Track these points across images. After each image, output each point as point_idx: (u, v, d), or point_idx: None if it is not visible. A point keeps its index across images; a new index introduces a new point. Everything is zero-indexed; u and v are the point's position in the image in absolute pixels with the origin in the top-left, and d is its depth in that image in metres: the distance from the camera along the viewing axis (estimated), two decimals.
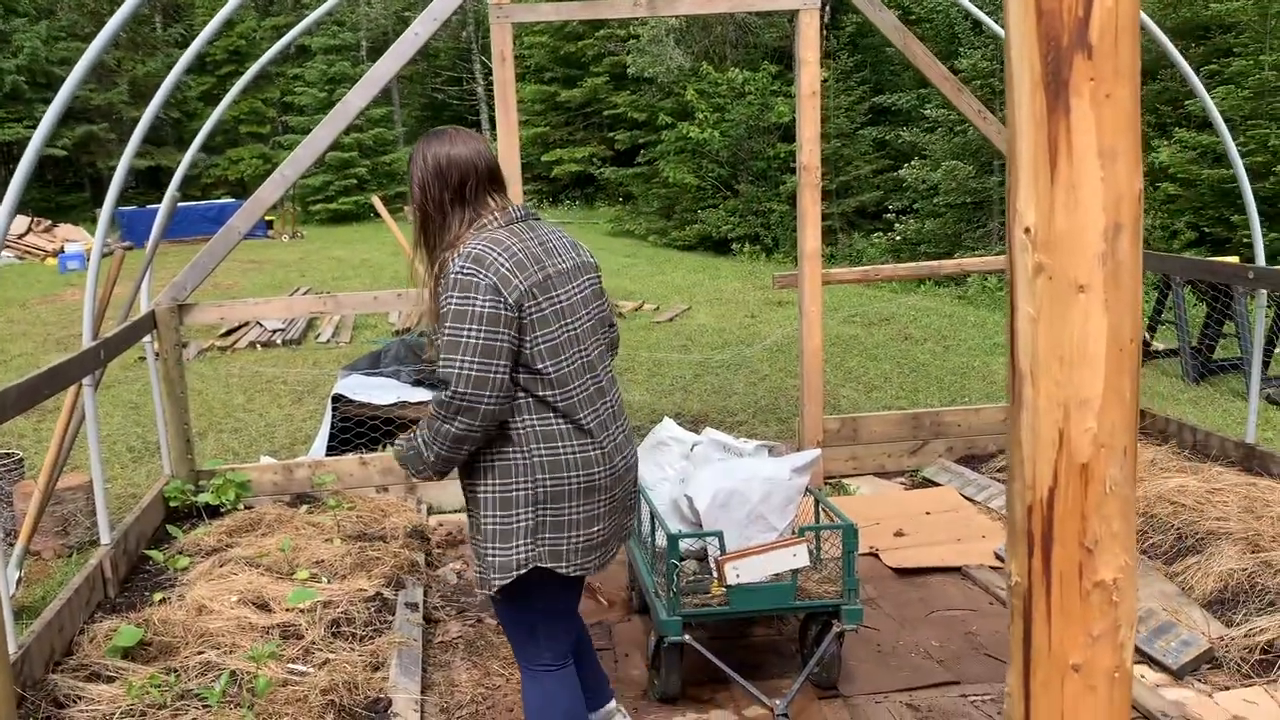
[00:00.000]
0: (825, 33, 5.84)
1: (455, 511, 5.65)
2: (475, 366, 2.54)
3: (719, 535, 3.51)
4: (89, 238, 23.43)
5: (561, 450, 2.68)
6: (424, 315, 2.87)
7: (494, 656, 4.04)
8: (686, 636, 3.47)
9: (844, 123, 17.78)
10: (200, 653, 3.63)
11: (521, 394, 2.66)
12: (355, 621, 3.92)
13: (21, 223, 23.18)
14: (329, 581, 4.28)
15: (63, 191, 32.61)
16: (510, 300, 2.59)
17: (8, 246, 21.64)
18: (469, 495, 2.78)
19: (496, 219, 2.75)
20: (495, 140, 5.49)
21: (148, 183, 30.01)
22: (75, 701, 3.36)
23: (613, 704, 3.31)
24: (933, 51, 5.97)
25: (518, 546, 2.66)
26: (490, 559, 2.68)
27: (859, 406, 7.64)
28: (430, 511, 5.59)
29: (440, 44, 34.60)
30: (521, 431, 2.66)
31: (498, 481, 2.67)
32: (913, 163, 15.76)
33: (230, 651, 3.62)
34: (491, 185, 2.79)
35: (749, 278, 15.67)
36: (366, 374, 6.79)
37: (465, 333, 2.56)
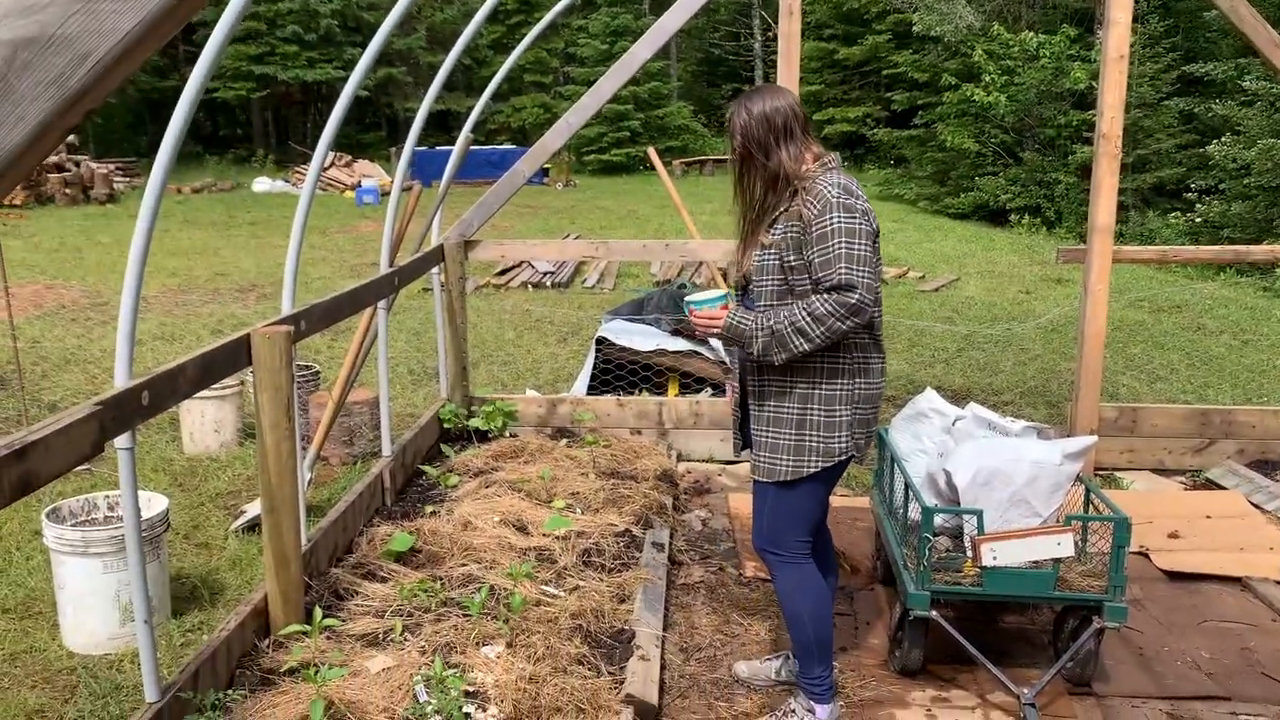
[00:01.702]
0: None
1: (703, 461, 5.74)
2: (868, 276, 2.88)
3: (978, 514, 3.38)
4: (383, 174, 25.17)
5: (872, 360, 3.08)
6: (738, 258, 3.17)
7: (734, 606, 4.08)
8: (933, 613, 3.38)
9: (1147, 91, 16.44)
10: (463, 565, 3.88)
11: None
12: (605, 554, 4.06)
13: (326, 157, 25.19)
14: (582, 513, 4.46)
15: (362, 130, 35.16)
16: (875, 226, 2.96)
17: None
18: (789, 391, 3.05)
19: (831, 158, 3.05)
20: None
21: (435, 125, 31.78)
22: (353, 595, 3.67)
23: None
24: (1262, 16, 5.40)
25: (840, 437, 3.04)
26: (813, 445, 3.04)
27: (1139, 397, 7.14)
28: (680, 458, 5.70)
29: None
30: (850, 340, 3.00)
31: (827, 380, 3.02)
32: (1223, 139, 14.37)
33: (490, 567, 3.85)
34: (807, 128, 3.09)
35: (1026, 251, 14.90)
36: (629, 320, 6.97)
37: (860, 247, 2.87)
